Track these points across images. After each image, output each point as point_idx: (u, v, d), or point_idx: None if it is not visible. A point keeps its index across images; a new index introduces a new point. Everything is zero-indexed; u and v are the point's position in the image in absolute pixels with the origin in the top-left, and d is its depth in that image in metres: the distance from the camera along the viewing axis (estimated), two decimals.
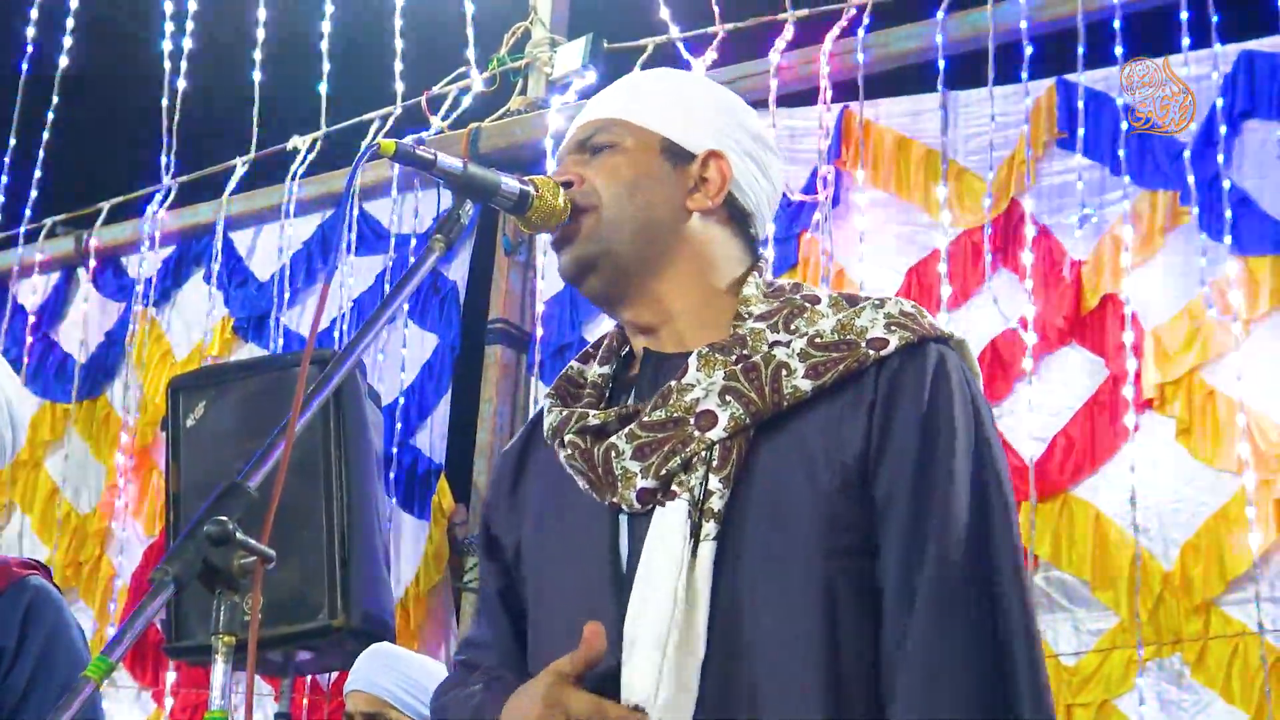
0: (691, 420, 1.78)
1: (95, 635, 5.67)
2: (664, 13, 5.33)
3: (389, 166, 5.49)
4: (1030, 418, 4.38)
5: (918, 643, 1.68)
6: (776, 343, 1.81)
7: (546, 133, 5.27)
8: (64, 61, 6.48)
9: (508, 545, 1.96)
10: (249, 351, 5.90)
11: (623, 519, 1.80)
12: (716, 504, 1.74)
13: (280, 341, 5.79)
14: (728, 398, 1.78)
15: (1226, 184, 4.26)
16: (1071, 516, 4.30)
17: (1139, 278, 4.37)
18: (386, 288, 5.62)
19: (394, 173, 5.60)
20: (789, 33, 5.03)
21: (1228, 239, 4.22)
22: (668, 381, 1.82)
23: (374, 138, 5.77)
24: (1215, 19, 4.36)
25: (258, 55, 6.09)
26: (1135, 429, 4.25)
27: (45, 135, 6.46)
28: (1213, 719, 4.03)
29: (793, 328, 1.83)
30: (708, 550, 1.73)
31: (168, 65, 6.24)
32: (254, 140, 6.11)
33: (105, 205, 6.43)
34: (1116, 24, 4.49)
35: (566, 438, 1.85)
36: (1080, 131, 4.49)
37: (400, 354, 5.52)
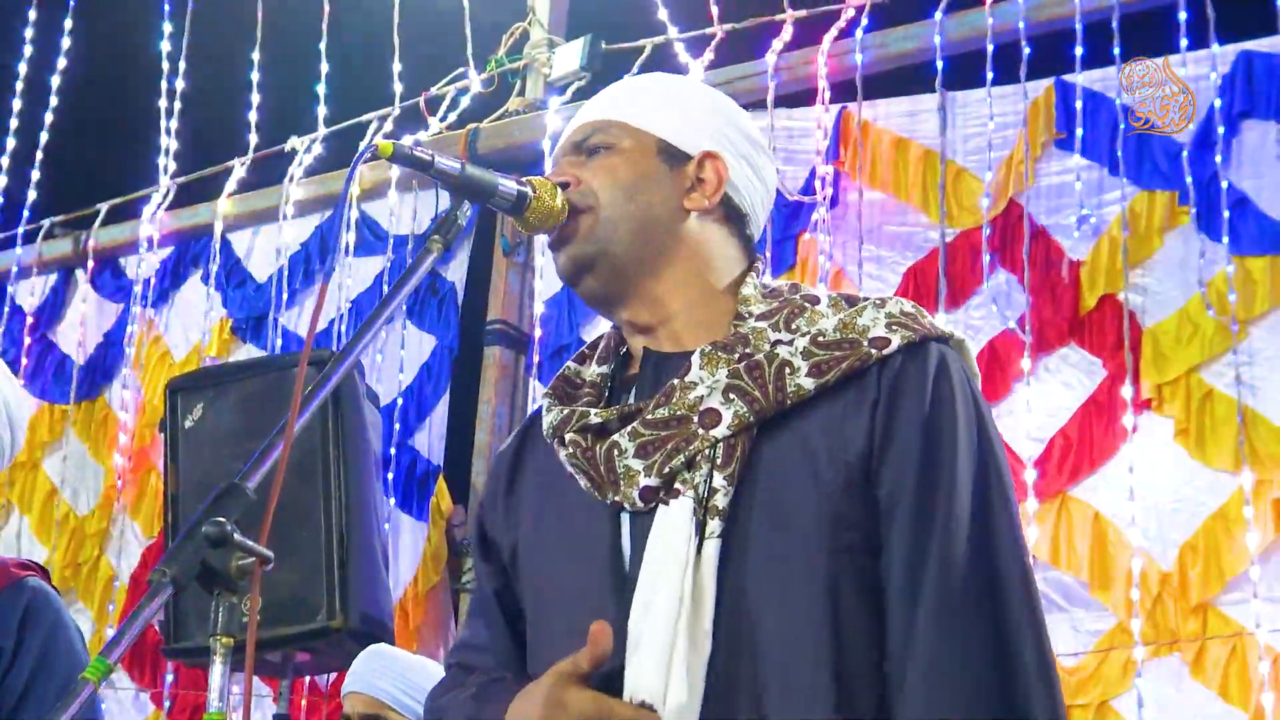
0: (695, 418, 1.78)
1: (94, 636, 5.67)
2: (662, 13, 5.34)
3: (387, 167, 5.50)
4: (1028, 418, 4.38)
5: (924, 642, 1.68)
6: (779, 341, 1.82)
7: (545, 133, 5.28)
8: (62, 62, 6.48)
9: (504, 546, 1.96)
10: (247, 352, 5.90)
11: (624, 517, 1.80)
12: (721, 502, 1.74)
13: (278, 342, 5.79)
14: (731, 396, 1.78)
15: (1224, 184, 4.26)
16: (1070, 517, 4.30)
17: (1137, 278, 4.37)
18: (385, 289, 5.62)
19: (392, 174, 5.60)
20: (787, 33, 5.03)
21: (1225, 239, 4.23)
22: (669, 380, 1.83)
23: (372, 139, 5.77)
24: (1213, 19, 4.36)
25: (256, 56, 6.09)
26: (1133, 429, 4.25)
27: (44, 136, 6.47)
28: (1211, 719, 4.03)
29: (794, 327, 1.83)
30: (713, 548, 1.73)
31: (166, 66, 6.24)
32: (252, 141, 6.11)
33: (104, 206, 6.43)
34: (1114, 24, 4.49)
35: (567, 436, 1.84)
36: (1078, 132, 4.50)
37: (399, 355, 5.52)
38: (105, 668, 1.40)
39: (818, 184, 4.83)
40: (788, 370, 1.78)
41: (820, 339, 1.81)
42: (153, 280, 6.22)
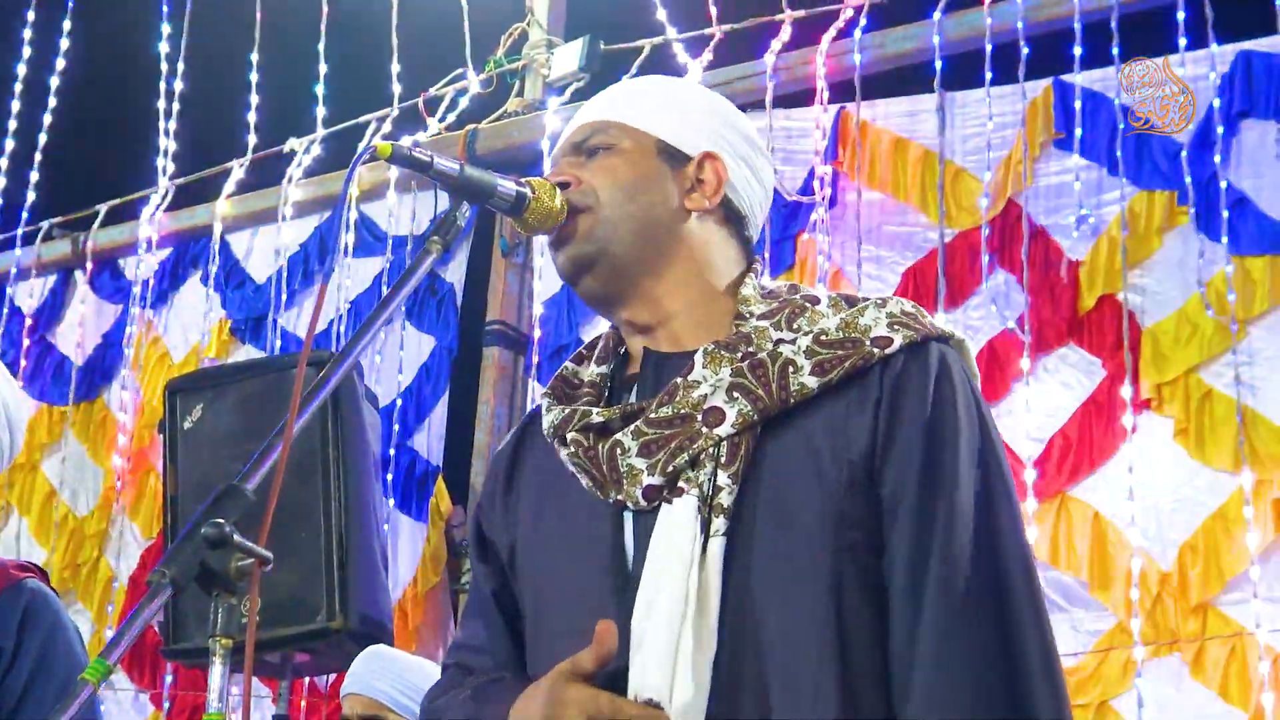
0: (699, 416, 1.78)
1: (93, 637, 5.67)
2: (661, 14, 5.34)
3: (386, 168, 5.50)
4: (1028, 418, 4.38)
5: (929, 642, 1.69)
6: (781, 340, 1.82)
7: (544, 134, 5.27)
8: (61, 64, 6.48)
9: (502, 547, 1.96)
10: (246, 353, 5.90)
11: (627, 516, 1.80)
12: (726, 500, 1.74)
13: (277, 343, 5.79)
14: (735, 394, 1.78)
15: (1224, 184, 4.26)
16: (1069, 517, 4.30)
17: (1136, 278, 4.37)
18: (384, 289, 5.62)
19: (391, 175, 5.60)
20: (786, 34, 5.03)
21: (1225, 239, 4.23)
22: (671, 379, 1.83)
23: (371, 140, 5.77)
24: (1212, 19, 4.36)
25: (255, 57, 6.09)
26: (1133, 429, 4.25)
27: (42, 138, 6.47)
28: (1210, 719, 4.03)
29: (795, 326, 1.84)
30: (717, 546, 1.73)
31: (165, 67, 6.24)
32: (251, 142, 6.11)
33: (102, 208, 6.43)
34: (1113, 24, 4.49)
35: (569, 436, 1.85)
36: (1077, 132, 4.49)
37: (398, 356, 5.52)
38: (104, 669, 1.40)
39: (816, 184, 4.83)
40: (791, 369, 1.79)
41: (823, 338, 1.81)
42: (151, 281, 6.22)
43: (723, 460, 1.76)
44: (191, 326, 6.11)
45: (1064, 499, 4.33)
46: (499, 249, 5.45)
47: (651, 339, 1.93)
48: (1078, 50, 4.55)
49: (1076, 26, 4.56)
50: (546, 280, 5.27)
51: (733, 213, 1.98)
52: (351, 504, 4.21)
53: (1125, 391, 4.26)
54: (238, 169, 6.13)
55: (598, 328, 1.88)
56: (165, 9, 6.28)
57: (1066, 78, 4.59)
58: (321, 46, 5.96)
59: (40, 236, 6.52)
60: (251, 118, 6.09)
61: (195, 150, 6.36)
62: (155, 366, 6.11)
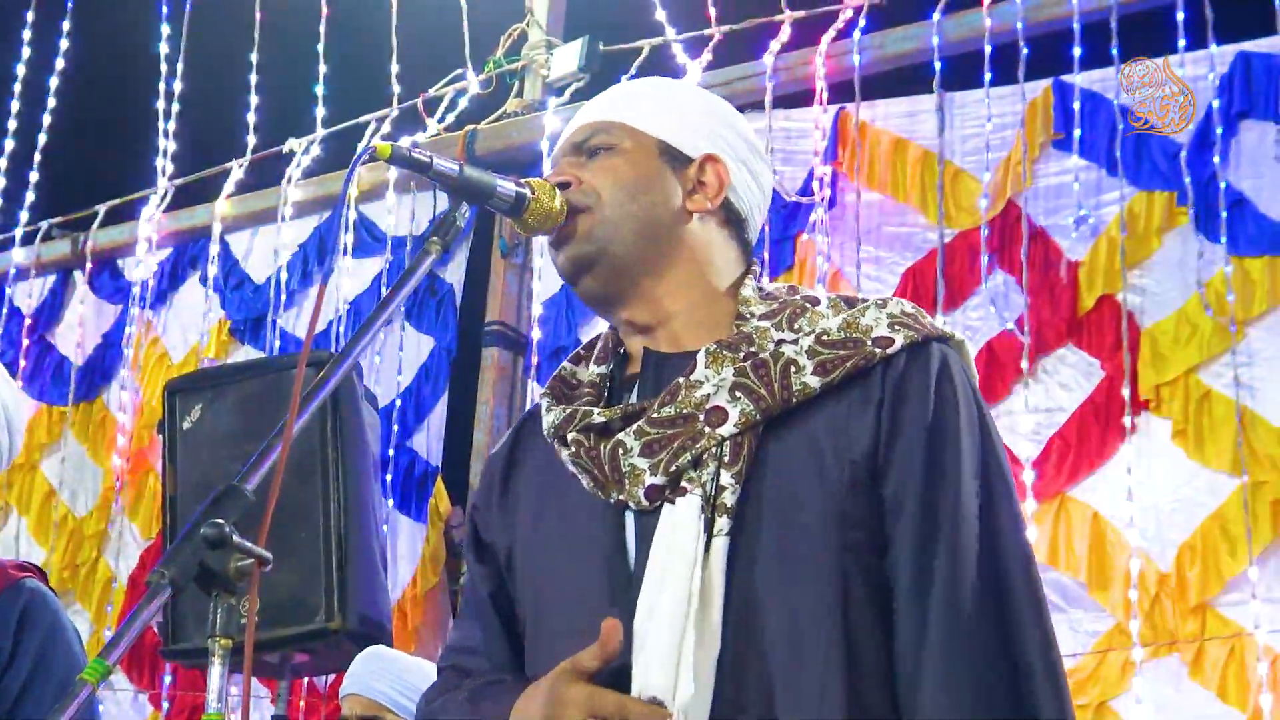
0: (701, 416, 1.78)
1: (92, 638, 5.67)
2: (660, 14, 5.34)
3: (385, 169, 5.50)
4: (1027, 419, 4.38)
5: (935, 643, 1.69)
6: (783, 341, 1.83)
7: (543, 135, 5.27)
8: (60, 64, 6.48)
9: (499, 548, 1.96)
10: (245, 354, 5.90)
11: (628, 516, 1.80)
12: (729, 499, 1.74)
13: (277, 344, 5.79)
14: (738, 394, 1.79)
15: (1223, 185, 4.26)
16: (1068, 518, 4.30)
17: (1135, 278, 4.37)
18: (383, 290, 5.62)
19: (390, 175, 5.60)
20: (785, 34, 5.03)
21: (1224, 239, 4.23)
22: (672, 379, 1.83)
23: (370, 140, 5.77)
24: (1211, 20, 4.36)
25: (254, 58, 6.09)
26: (1132, 430, 4.25)
27: (42, 138, 6.47)
28: None
29: (797, 326, 1.84)
30: (721, 545, 1.73)
31: (164, 68, 6.24)
32: (250, 143, 6.11)
33: (102, 208, 6.43)
34: (1113, 25, 4.49)
35: (569, 436, 1.84)
36: (1076, 133, 4.49)
37: (397, 356, 5.52)
38: (103, 669, 1.40)
39: (816, 185, 4.83)
40: (793, 369, 1.79)
41: (824, 338, 1.82)
42: (151, 282, 6.22)
43: (726, 460, 1.76)
44: (191, 327, 6.11)
45: (1063, 500, 4.33)
46: (498, 249, 5.45)
47: (651, 339, 1.93)
48: (1077, 51, 4.55)
49: (1076, 27, 4.56)
50: (546, 281, 5.27)
51: (733, 215, 1.98)
52: (351, 504, 4.21)
53: (1124, 392, 4.26)
54: (237, 169, 6.13)
55: (596, 328, 1.88)
56: (165, 9, 6.28)
57: (1066, 78, 4.59)
58: (321, 47, 5.97)
59: (40, 236, 6.52)
60: (251, 118, 6.09)
61: (195, 150, 6.36)
62: (154, 367, 6.11)
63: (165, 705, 5.60)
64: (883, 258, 4.75)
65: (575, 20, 5.76)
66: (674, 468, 1.77)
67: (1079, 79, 4.55)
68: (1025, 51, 4.62)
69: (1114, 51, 4.47)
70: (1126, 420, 4.25)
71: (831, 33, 4.94)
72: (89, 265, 6.39)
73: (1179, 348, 4.26)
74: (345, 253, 5.71)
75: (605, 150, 1.95)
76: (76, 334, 6.37)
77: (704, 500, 1.75)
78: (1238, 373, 4.15)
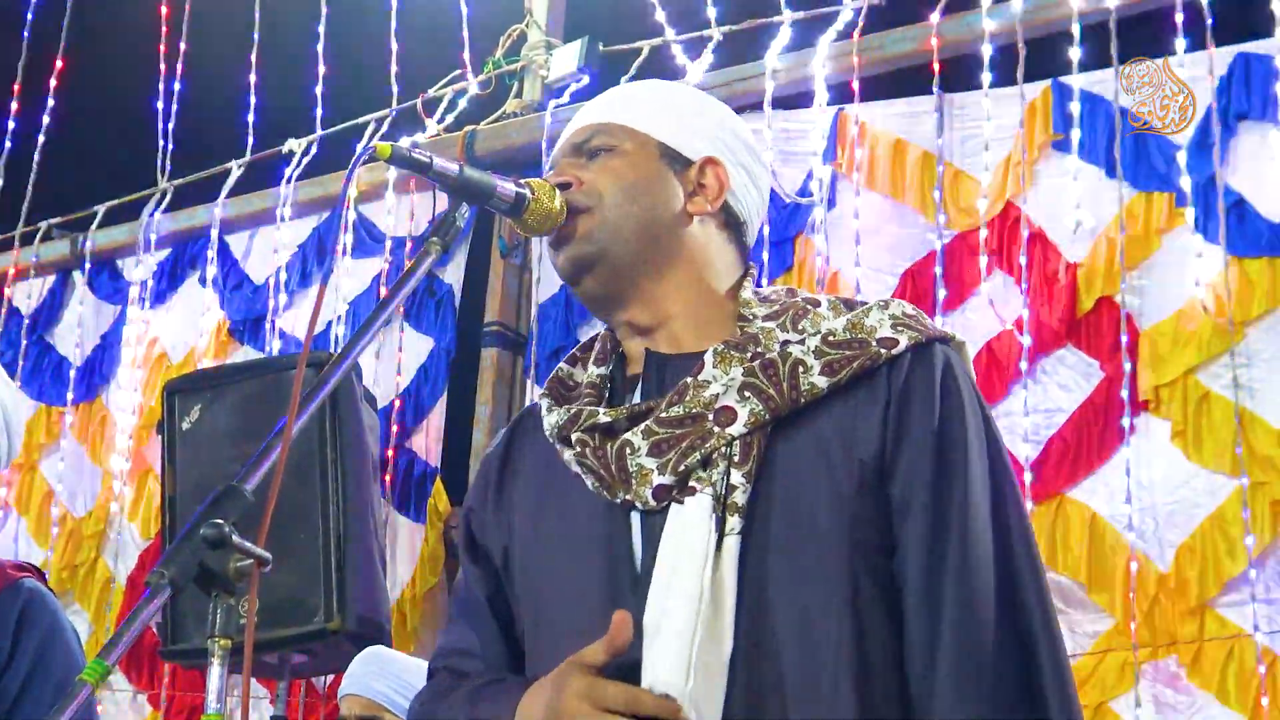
0: (710, 416, 1.79)
1: (91, 638, 5.67)
2: (660, 15, 5.34)
3: (385, 169, 5.50)
4: (1026, 420, 4.38)
5: (950, 642, 1.71)
6: (788, 341, 1.84)
7: (543, 135, 5.27)
8: (59, 63, 6.48)
9: (495, 549, 1.95)
10: (244, 354, 5.90)
11: (634, 516, 1.80)
12: (740, 499, 1.75)
13: (276, 344, 5.79)
14: (747, 394, 1.79)
15: (1222, 186, 4.26)
16: (1067, 519, 4.30)
17: (1134, 280, 4.37)
18: (382, 290, 5.62)
19: (390, 175, 5.60)
20: (784, 35, 5.03)
21: (1223, 241, 4.23)
22: (675, 380, 1.84)
23: (370, 140, 5.77)
24: (1210, 21, 4.36)
25: (253, 58, 6.09)
26: (1131, 431, 4.25)
27: (41, 138, 6.46)
28: None
29: (800, 328, 1.86)
30: (733, 544, 1.74)
31: (163, 68, 6.24)
32: (249, 143, 6.11)
33: (101, 208, 6.43)
34: (1112, 26, 4.49)
35: (574, 436, 1.85)
36: (1075, 134, 4.49)
37: (396, 357, 5.52)
38: (103, 669, 1.40)
39: (815, 185, 4.83)
40: (801, 369, 1.80)
41: (831, 338, 1.83)
42: (150, 282, 6.22)
43: (736, 459, 1.77)
44: (190, 327, 6.11)
45: (1062, 501, 4.32)
46: (498, 250, 5.45)
47: (650, 340, 1.93)
48: (1076, 52, 4.55)
49: (1075, 28, 4.56)
50: (545, 281, 5.27)
51: (732, 218, 1.99)
52: (350, 505, 4.22)
53: (1123, 393, 4.26)
54: (236, 170, 6.13)
55: (595, 329, 1.88)
56: (164, 9, 6.28)
57: (1065, 80, 4.59)
58: (320, 47, 5.96)
59: (39, 237, 6.52)
60: (250, 118, 6.09)
61: (194, 151, 6.36)
62: (154, 367, 6.11)
63: (164, 705, 5.60)
64: (882, 259, 4.75)
65: (575, 21, 5.76)
66: (682, 467, 1.77)
67: (1078, 80, 4.55)
68: (1024, 53, 4.62)
69: (1113, 53, 4.47)
70: (1125, 421, 4.25)
71: (831, 33, 4.94)
72: (88, 265, 6.38)
73: (1178, 349, 4.26)
74: (344, 253, 5.71)
75: (606, 151, 1.95)
76: (75, 334, 6.37)
77: (715, 499, 1.75)
78: (1236, 374, 4.15)
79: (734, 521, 1.74)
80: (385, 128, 5.80)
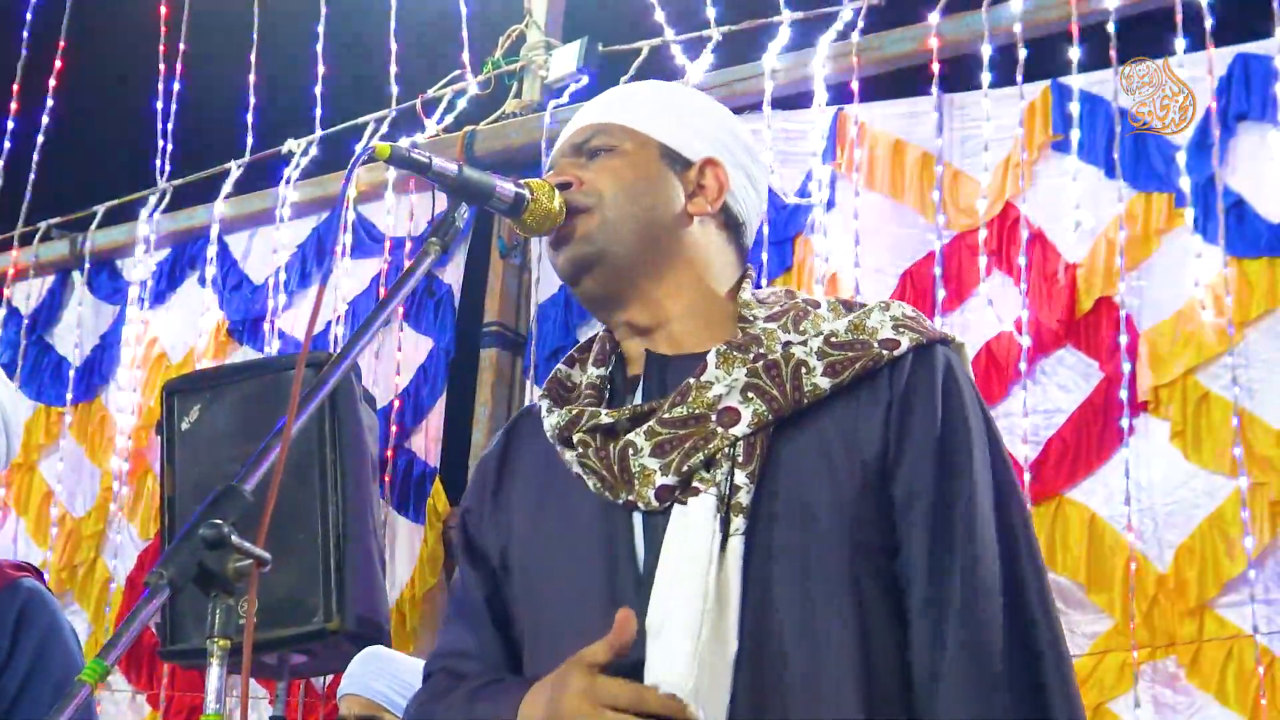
0: (714, 417, 1.79)
1: (90, 638, 5.67)
2: (659, 15, 5.33)
3: (384, 169, 5.50)
4: (1025, 421, 4.38)
5: (954, 646, 1.71)
6: (790, 342, 1.84)
7: (542, 136, 5.27)
8: (58, 63, 6.48)
9: (493, 551, 1.95)
10: (244, 354, 5.90)
11: (636, 517, 1.80)
12: (744, 499, 1.75)
13: (275, 344, 5.79)
14: (750, 394, 1.79)
15: (1221, 186, 4.26)
16: (1066, 519, 4.30)
17: (1134, 280, 4.37)
18: (381, 291, 5.62)
19: (389, 176, 5.60)
20: (784, 35, 5.03)
21: (1222, 241, 4.23)
22: (676, 381, 1.84)
23: (369, 141, 5.77)
24: (1210, 22, 4.36)
25: (252, 58, 6.09)
26: (1130, 431, 4.25)
27: (40, 138, 6.46)
28: None
29: (802, 329, 1.86)
30: (737, 545, 1.74)
31: (163, 68, 6.24)
32: (249, 143, 6.11)
33: (100, 209, 6.43)
34: (1111, 27, 4.49)
35: (575, 437, 1.84)
36: (1075, 134, 4.49)
37: (395, 357, 5.52)
38: (102, 670, 1.40)
39: (814, 186, 4.83)
40: (804, 370, 1.80)
41: (833, 339, 1.83)
42: (149, 282, 6.22)
43: (739, 460, 1.77)
44: (189, 327, 6.10)
45: (1061, 501, 4.33)
46: (497, 250, 5.45)
47: (650, 341, 1.93)
48: (1075, 53, 4.55)
49: (1074, 29, 4.56)
50: (544, 281, 5.27)
51: (731, 219, 1.99)
52: (349, 505, 4.22)
53: (1122, 394, 4.26)
54: (236, 170, 6.13)
55: (594, 330, 1.87)
56: (164, 9, 6.28)
57: (1064, 80, 4.59)
58: (319, 48, 5.96)
59: (38, 237, 6.52)
60: (249, 118, 6.09)
61: (193, 151, 6.36)
62: (153, 367, 6.11)
63: (163, 705, 5.60)
64: (881, 259, 4.75)
65: (574, 21, 5.76)
66: (685, 468, 1.77)
67: (1078, 81, 4.55)
68: (1024, 53, 4.62)
69: (1113, 53, 4.47)
70: (1124, 422, 4.25)
71: (830, 34, 4.94)
72: (87, 266, 6.38)
73: (1177, 349, 4.26)
74: (344, 253, 5.70)
75: (606, 151, 1.95)
76: (75, 334, 6.37)
77: (719, 500, 1.75)
78: (1236, 374, 4.15)
79: (738, 522, 1.74)
80: (385, 128, 5.80)
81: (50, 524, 6.10)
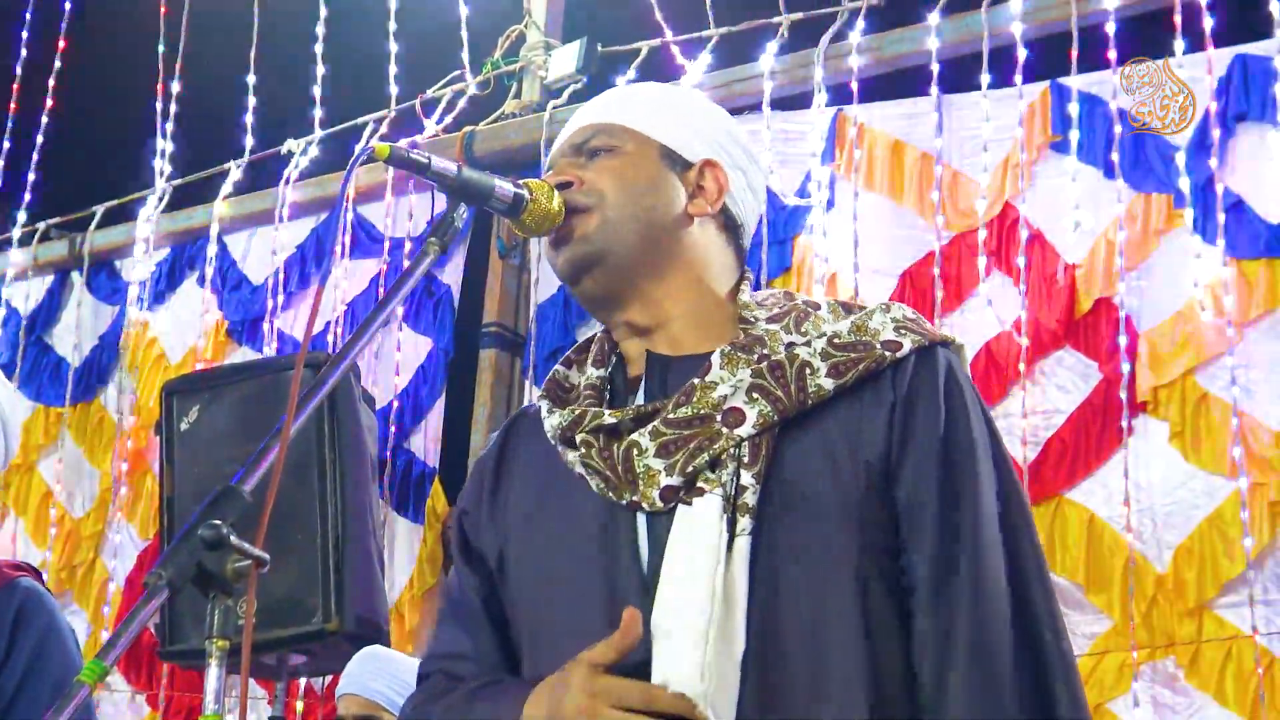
0: (718, 417, 1.79)
1: (89, 639, 5.67)
2: (658, 16, 5.33)
3: (383, 170, 5.49)
4: (1024, 421, 4.38)
5: (961, 646, 1.72)
6: (793, 343, 1.84)
7: (541, 136, 5.27)
8: (58, 64, 6.48)
9: (490, 552, 1.94)
10: (243, 355, 5.90)
11: (640, 518, 1.80)
12: (750, 499, 1.75)
13: (274, 345, 5.79)
14: (755, 395, 1.79)
15: (1220, 187, 4.26)
16: (1065, 520, 4.30)
17: (1133, 281, 4.37)
18: (381, 291, 5.62)
19: (388, 176, 5.60)
20: (783, 36, 5.03)
21: (1221, 242, 4.23)
22: (678, 381, 1.84)
23: (368, 141, 5.77)
24: (1209, 23, 4.36)
25: (252, 58, 6.09)
26: (1129, 432, 4.25)
27: (39, 138, 6.46)
28: None
29: (803, 330, 1.87)
30: (743, 545, 1.74)
31: (162, 68, 6.24)
32: (248, 143, 6.11)
33: (99, 209, 6.43)
34: (1110, 28, 4.49)
35: (579, 437, 1.84)
36: (1074, 135, 4.49)
37: (394, 357, 5.52)
38: (100, 670, 1.40)
39: (813, 187, 4.83)
40: (808, 371, 1.80)
41: (836, 340, 1.84)
42: (148, 283, 6.22)
43: (745, 460, 1.77)
44: (188, 328, 6.11)
45: (1060, 502, 4.33)
46: (496, 250, 5.45)
47: (650, 342, 1.93)
48: (1075, 54, 4.55)
49: (1074, 30, 4.55)
50: (543, 282, 5.27)
51: (730, 220, 2.00)
52: (348, 506, 4.21)
53: (1121, 394, 4.26)
54: (235, 170, 6.13)
55: (594, 330, 1.87)
56: (163, 9, 6.28)
57: (1064, 81, 4.59)
58: (319, 48, 5.96)
59: (37, 237, 6.52)
60: (249, 119, 6.09)
61: (192, 151, 6.36)
62: (152, 368, 6.11)
63: (162, 706, 5.60)
64: (880, 260, 4.74)
65: (573, 22, 5.76)
66: (690, 468, 1.77)
67: (1077, 82, 4.55)
68: (1023, 54, 4.62)
69: (1112, 54, 4.47)
70: (1124, 422, 4.25)
71: (829, 34, 4.94)
72: (86, 266, 6.38)
73: (1176, 350, 4.26)
74: (343, 254, 5.70)
75: (606, 151, 1.95)
76: (74, 335, 6.37)
77: (725, 500, 1.75)
78: (1235, 375, 4.15)
79: (745, 522, 1.74)
80: (384, 128, 5.80)
81: (49, 524, 6.10)
